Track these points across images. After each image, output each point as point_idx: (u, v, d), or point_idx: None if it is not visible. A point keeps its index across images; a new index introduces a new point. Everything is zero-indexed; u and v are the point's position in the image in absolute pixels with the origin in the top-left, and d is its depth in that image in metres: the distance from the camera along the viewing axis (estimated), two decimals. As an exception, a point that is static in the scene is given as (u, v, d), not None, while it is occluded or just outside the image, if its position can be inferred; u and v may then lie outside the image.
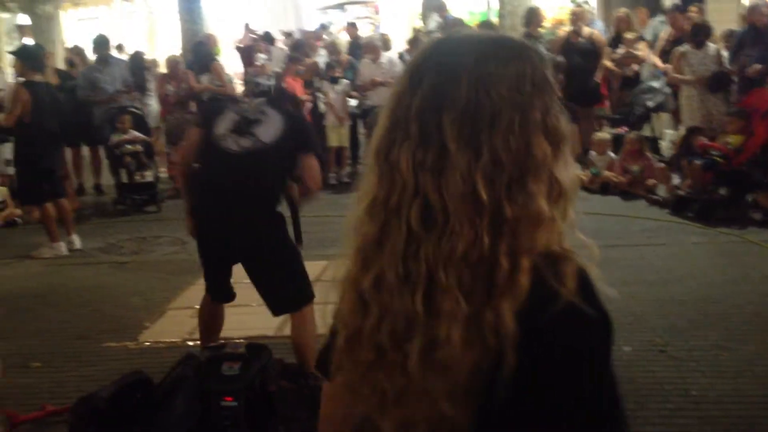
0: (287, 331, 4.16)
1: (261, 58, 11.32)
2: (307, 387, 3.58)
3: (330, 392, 1.31)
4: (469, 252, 1.04)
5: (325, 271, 6.32)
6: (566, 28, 10.94)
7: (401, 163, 1.08)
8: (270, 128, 3.90)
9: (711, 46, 8.70)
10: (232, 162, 3.85)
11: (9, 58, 12.43)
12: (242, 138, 3.86)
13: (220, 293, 4.14)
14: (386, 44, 10.88)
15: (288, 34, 15.26)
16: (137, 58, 12.04)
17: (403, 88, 1.12)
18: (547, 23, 12.48)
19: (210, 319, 4.20)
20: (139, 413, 3.56)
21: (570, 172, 1.10)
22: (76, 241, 7.66)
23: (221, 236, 3.89)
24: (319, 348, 1.29)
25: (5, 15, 22.97)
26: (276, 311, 4.00)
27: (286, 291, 3.93)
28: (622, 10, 10.69)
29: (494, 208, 1.04)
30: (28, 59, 7.53)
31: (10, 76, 11.21)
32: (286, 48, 12.48)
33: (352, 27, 13.75)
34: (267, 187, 3.92)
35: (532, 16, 10.43)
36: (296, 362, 3.86)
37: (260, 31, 15.46)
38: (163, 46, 18.31)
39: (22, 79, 7.54)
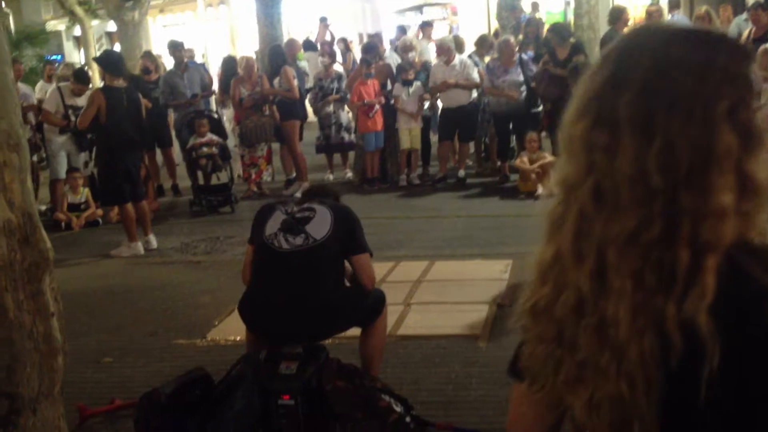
0: (350, 332, 4.18)
1: (323, 61, 11.42)
2: (363, 387, 3.60)
3: (519, 392, 1.30)
4: (639, 235, 1.03)
5: (391, 273, 6.41)
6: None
7: (576, 141, 1.10)
8: (320, 224, 3.79)
9: (796, 43, 8.38)
10: (285, 262, 3.75)
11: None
12: (294, 236, 3.77)
13: None
14: (460, 46, 10.81)
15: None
16: (229, 61, 12.35)
17: (591, 71, 1.14)
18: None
19: None
20: (198, 409, 3.65)
21: (766, 168, 1.05)
22: (153, 241, 7.92)
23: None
24: (512, 356, 1.30)
25: (95, 22, 23.83)
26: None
27: (358, 321, 3.99)
28: (703, 8, 10.40)
29: (668, 195, 1.03)
30: (107, 66, 7.94)
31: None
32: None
33: (427, 27, 13.71)
34: (323, 287, 3.78)
35: (618, 14, 10.21)
36: (353, 363, 3.89)
37: (335, 33, 15.62)
38: (244, 50, 18.68)
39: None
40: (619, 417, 1.09)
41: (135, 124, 7.76)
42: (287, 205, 3.98)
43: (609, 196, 1.06)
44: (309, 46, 15.10)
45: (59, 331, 2.71)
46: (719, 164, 1.02)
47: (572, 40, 9.77)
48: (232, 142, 10.43)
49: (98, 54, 10.87)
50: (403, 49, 10.50)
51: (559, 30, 9.86)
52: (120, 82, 7.81)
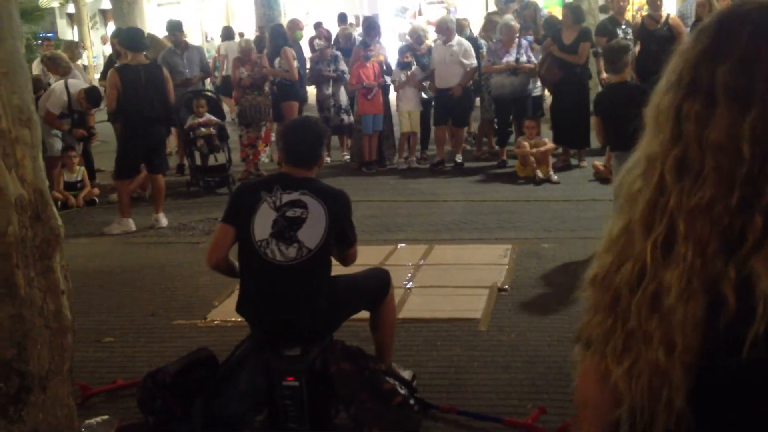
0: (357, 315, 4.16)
1: (318, 44, 11.38)
2: (367, 369, 3.61)
3: (581, 359, 1.29)
4: (716, 204, 1.03)
5: (391, 256, 6.41)
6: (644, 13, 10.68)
7: (665, 112, 1.09)
8: (314, 228, 3.62)
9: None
10: (278, 275, 3.61)
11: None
12: (287, 245, 3.59)
13: None
14: (462, 29, 10.78)
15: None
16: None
17: (686, 45, 1.13)
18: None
19: None
20: (203, 389, 3.65)
21: None
22: (162, 220, 7.97)
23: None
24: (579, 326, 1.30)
25: (89, 0, 23.65)
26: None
27: (364, 306, 3.97)
28: (705, -6, 10.36)
29: (755, 165, 1.02)
30: (124, 42, 8.05)
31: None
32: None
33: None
34: (320, 290, 3.67)
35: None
36: (357, 345, 3.89)
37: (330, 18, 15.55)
38: (239, 30, 18.57)
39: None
40: (656, 384, 1.10)
41: (156, 100, 7.73)
42: (272, 193, 3.66)
43: (693, 166, 1.05)
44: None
45: (69, 309, 2.70)
46: None
47: (582, 24, 9.73)
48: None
49: (116, 31, 10.80)
50: (416, 39, 10.42)
51: (573, 9, 9.79)
52: (140, 59, 7.83)
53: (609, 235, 1.17)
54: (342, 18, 14.62)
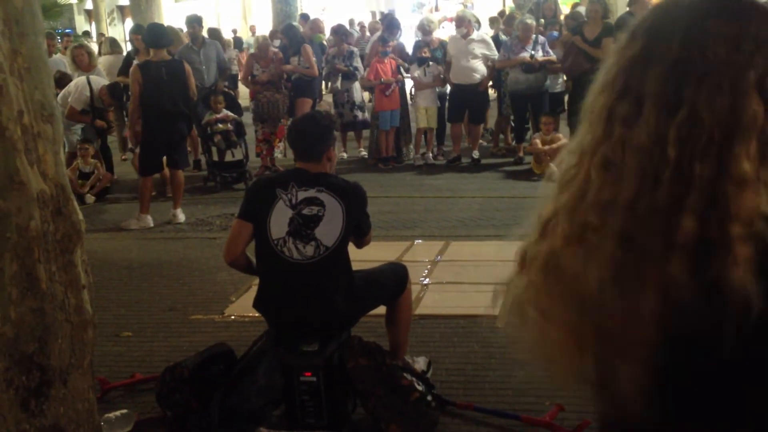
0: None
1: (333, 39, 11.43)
2: (384, 365, 3.61)
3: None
4: (638, 201, 1.04)
5: (407, 252, 6.41)
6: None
7: (597, 112, 1.12)
8: (331, 226, 3.61)
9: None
10: (296, 273, 3.61)
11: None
12: (304, 243, 3.59)
13: None
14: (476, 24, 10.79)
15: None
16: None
17: (621, 44, 1.14)
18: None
19: None
20: (221, 383, 3.67)
21: None
22: (180, 215, 8.01)
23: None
24: None
25: (107, -4, 23.78)
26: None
27: (382, 301, 3.98)
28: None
29: (681, 166, 1.02)
30: (146, 39, 8.04)
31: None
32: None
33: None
34: (338, 288, 3.67)
35: None
36: (375, 341, 3.90)
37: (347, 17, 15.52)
38: (257, 27, 18.62)
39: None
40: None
41: (177, 95, 7.77)
42: (288, 191, 3.66)
43: (617, 165, 1.07)
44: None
45: (90, 303, 2.71)
46: (743, 133, 1.01)
47: (607, 20, 9.67)
48: None
49: (134, 26, 10.81)
50: (423, 31, 10.44)
51: (603, 4, 9.72)
52: (162, 55, 7.86)
53: (540, 216, 1.19)
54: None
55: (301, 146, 3.82)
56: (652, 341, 1.05)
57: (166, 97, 7.64)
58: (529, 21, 9.93)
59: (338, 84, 10.52)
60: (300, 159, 3.82)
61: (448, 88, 10.27)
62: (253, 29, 17.79)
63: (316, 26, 11.49)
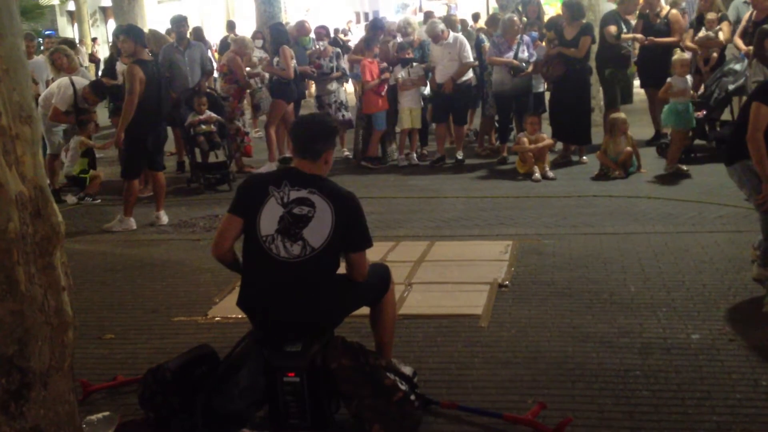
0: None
1: (320, 43, 11.45)
2: (368, 365, 3.61)
3: None
4: None
5: (391, 252, 6.41)
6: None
7: None
8: (319, 227, 3.61)
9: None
10: (281, 271, 3.61)
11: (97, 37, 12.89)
12: (291, 242, 3.60)
13: None
14: (453, 24, 10.82)
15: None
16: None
17: None
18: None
19: None
20: (204, 385, 3.65)
21: None
22: (163, 217, 7.99)
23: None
24: None
25: (90, -3, 23.64)
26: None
27: (365, 302, 3.97)
28: (704, -10, 10.37)
29: None
30: (137, 37, 7.70)
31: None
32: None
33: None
34: (321, 289, 3.66)
35: None
36: (358, 341, 3.90)
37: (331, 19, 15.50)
38: (241, 28, 18.56)
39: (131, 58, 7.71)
40: None
41: (162, 96, 7.77)
42: (281, 189, 3.67)
43: None
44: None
45: (70, 305, 2.70)
46: None
47: (584, 21, 9.71)
48: None
49: (123, 26, 10.64)
50: (403, 33, 10.48)
51: (570, 6, 9.77)
52: (146, 54, 7.81)
53: None
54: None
55: (303, 141, 3.82)
56: None
57: (156, 96, 7.60)
58: (514, 17, 9.99)
59: (332, 86, 10.54)
60: (298, 155, 3.82)
61: (427, 90, 10.33)
62: (231, 24, 17.69)
63: (302, 28, 11.46)
